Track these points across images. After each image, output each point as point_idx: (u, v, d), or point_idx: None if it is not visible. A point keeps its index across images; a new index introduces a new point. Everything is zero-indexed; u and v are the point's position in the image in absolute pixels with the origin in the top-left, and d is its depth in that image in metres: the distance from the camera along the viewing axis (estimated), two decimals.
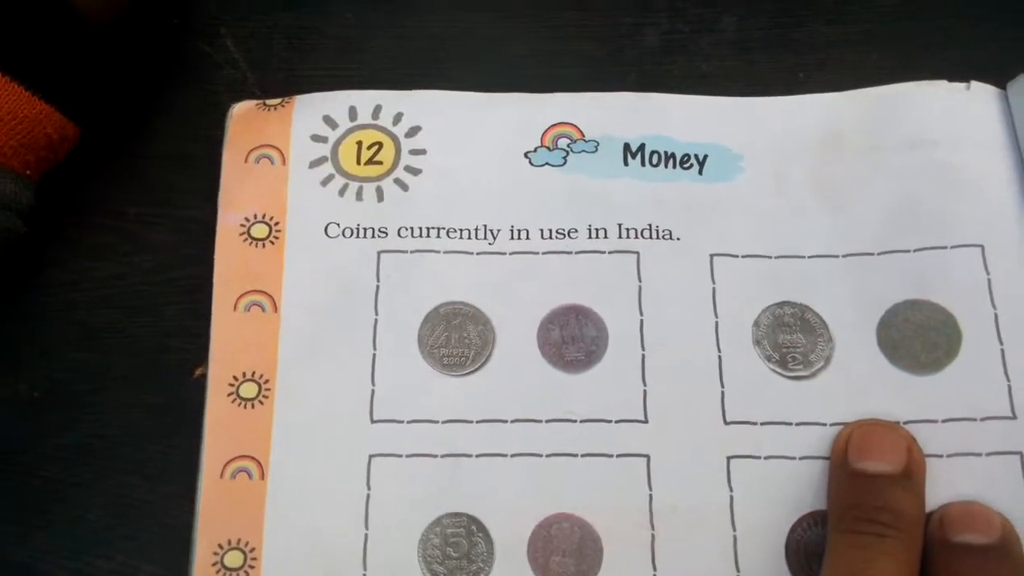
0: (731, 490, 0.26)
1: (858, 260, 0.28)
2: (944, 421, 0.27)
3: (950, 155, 0.29)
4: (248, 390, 0.27)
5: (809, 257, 0.29)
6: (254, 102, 0.30)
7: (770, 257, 0.29)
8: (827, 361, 0.28)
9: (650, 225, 0.29)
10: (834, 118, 0.30)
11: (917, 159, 0.29)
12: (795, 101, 0.30)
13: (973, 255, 0.28)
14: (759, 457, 0.27)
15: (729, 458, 0.27)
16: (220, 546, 0.26)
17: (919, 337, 0.27)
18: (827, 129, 0.30)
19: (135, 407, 0.28)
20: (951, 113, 0.30)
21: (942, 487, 0.26)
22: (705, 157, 0.30)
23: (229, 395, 0.27)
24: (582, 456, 0.27)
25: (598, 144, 0.30)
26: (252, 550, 0.26)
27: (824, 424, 0.27)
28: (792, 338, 0.28)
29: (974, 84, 0.30)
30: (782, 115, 0.30)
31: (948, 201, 0.29)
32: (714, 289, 0.28)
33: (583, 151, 0.30)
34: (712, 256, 0.29)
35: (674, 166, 0.30)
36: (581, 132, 0.30)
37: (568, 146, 0.30)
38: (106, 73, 0.29)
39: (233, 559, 0.26)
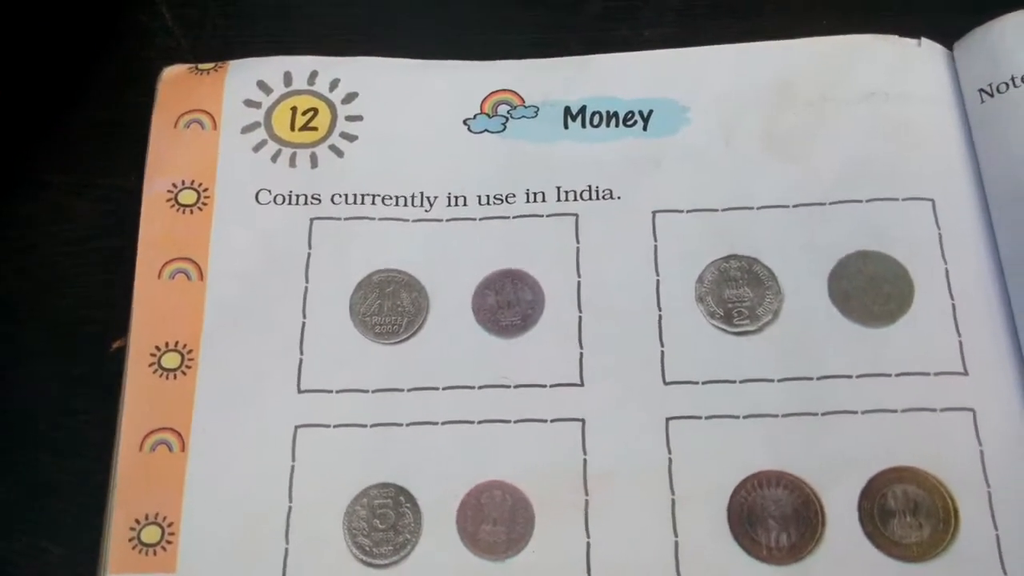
0: (670, 452, 0.26)
1: (809, 210, 0.28)
2: (898, 375, 0.26)
3: (901, 109, 0.29)
4: (170, 360, 0.27)
5: (758, 208, 0.28)
6: (186, 66, 0.30)
7: (717, 210, 0.28)
8: (775, 315, 0.27)
9: (590, 186, 0.29)
10: (785, 67, 0.30)
11: (869, 111, 0.29)
12: (744, 50, 0.30)
13: (924, 209, 0.28)
14: (700, 417, 0.26)
15: (668, 419, 0.26)
16: (137, 520, 0.25)
17: (872, 289, 0.27)
18: (778, 78, 0.30)
19: (50, 380, 0.28)
20: (902, 68, 0.29)
21: (898, 444, 0.25)
22: (650, 112, 0.29)
23: (150, 365, 0.27)
24: (515, 422, 0.26)
25: (538, 109, 0.30)
26: (170, 524, 0.25)
27: (772, 380, 0.26)
28: (738, 292, 0.27)
29: (924, 41, 0.30)
30: (731, 65, 0.30)
31: (899, 155, 0.28)
32: (656, 247, 0.28)
33: (523, 117, 0.30)
34: (655, 213, 0.28)
35: (616, 124, 0.29)
36: (521, 98, 0.30)
37: (508, 112, 0.30)
38: (32, 38, 0.29)
39: (150, 534, 0.25)
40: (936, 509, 0.25)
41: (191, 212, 0.28)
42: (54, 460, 0.27)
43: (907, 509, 0.25)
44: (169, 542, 0.25)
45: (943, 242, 0.27)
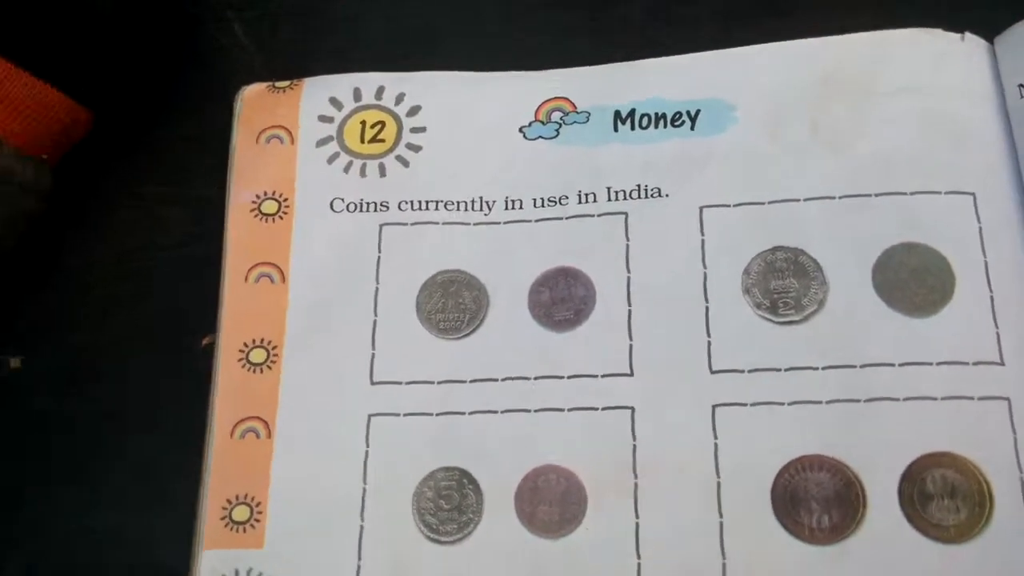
0: (716, 438, 0.26)
1: (854, 202, 0.28)
2: (939, 364, 0.26)
3: (944, 103, 0.29)
4: (257, 356, 0.28)
5: (804, 200, 0.28)
6: (264, 84, 0.31)
7: (763, 203, 0.28)
8: (820, 304, 0.27)
9: (639, 186, 0.29)
10: (828, 63, 0.30)
11: (912, 105, 0.29)
12: (788, 47, 0.30)
13: (965, 203, 0.28)
14: (746, 404, 0.27)
15: (714, 406, 0.27)
16: (228, 501, 0.27)
17: (915, 280, 0.27)
18: (822, 73, 0.30)
19: (150, 374, 0.30)
20: (945, 62, 0.29)
21: (937, 430, 0.25)
22: (697, 112, 0.30)
23: (239, 360, 0.28)
24: (568, 411, 0.27)
25: (589, 115, 0.30)
26: (258, 504, 0.27)
27: (816, 368, 0.27)
28: (784, 283, 0.27)
29: (967, 35, 0.29)
30: (776, 62, 0.30)
31: (942, 148, 0.28)
32: (703, 241, 0.28)
33: (575, 122, 0.30)
34: (702, 208, 0.29)
35: (665, 126, 0.30)
36: (573, 104, 0.31)
37: (561, 119, 0.30)
38: (118, 59, 0.30)
39: (240, 513, 0.27)
40: (972, 493, 0.25)
41: (273, 221, 0.30)
42: (157, 445, 0.29)
43: (945, 492, 0.25)
44: (257, 520, 0.27)
45: (983, 235, 0.27)
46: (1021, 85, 0.28)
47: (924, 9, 0.30)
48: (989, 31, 0.29)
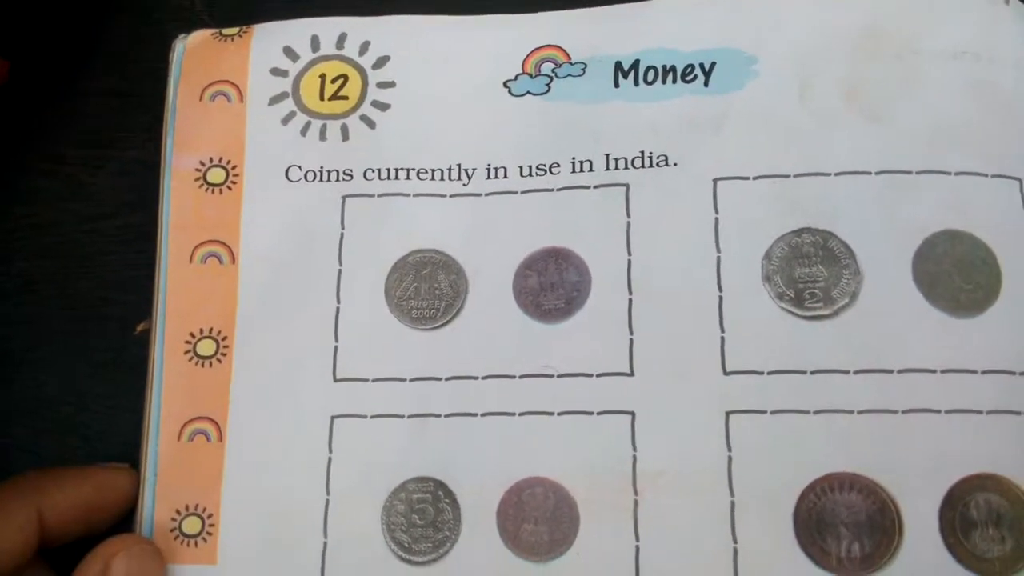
0: (729, 450, 0.24)
1: (893, 179, 0.26)
2: (984, 372, 0.24)
3: (992, 72, 0.26)
4: (205, 347, 0.27)
5: (836, 175, 0.26)
6: (208, 32, 0.29)
7: (788, 176, 0.26)
8: (853, 297, 0.25)
9: (642, 152, 0.27)
10: (869, 13, 0.27)
11: (960, 72, 0.26)
12: None
13: (1012, 188, 0.25)
14: (765, 412, 0.25)
15: (728, 413, 0.25)
16: (178, 511, 0.25)
17: (959, 274, 0.25)
18: (861, 25, 0.27)
19: (75, 364, 0.28)
20: (992, 27, 0.27)
21: (981, 448, 0.24)
22: (712, 65, 0.27)
23: (186, 353, 0.27)
24: (559, 414, 0.25)
25: (586, 66, 0.28)
26: (210, 516, 0.25)
27: (847, 372, 0.25)
28: (811, 271, 0.25)
29: (1013, 1, 0.27)
30: (807, 8, 0.27)
31: (989, 124, 0.26)
32: (717, 219, 0.26)
33: (569, 75, 0.28)
34: (716, 181, 0.26)
35: (674, 80, 0.27)
36: (567, 54, 0.28)
37: (552, 71, 0.28)
38: (38, 2, 0.28)
39: (191, 525, 0.25)
40: (1019, 522, 0.23)
41: (220, 192, 0.28)
42: (83, 446, 0.27)
43: (990, 520, 0.23)
44: (209, 533, 0.25)
45: None
46: None
47: None
48: None
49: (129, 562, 0.24)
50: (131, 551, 0.24)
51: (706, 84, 0.27)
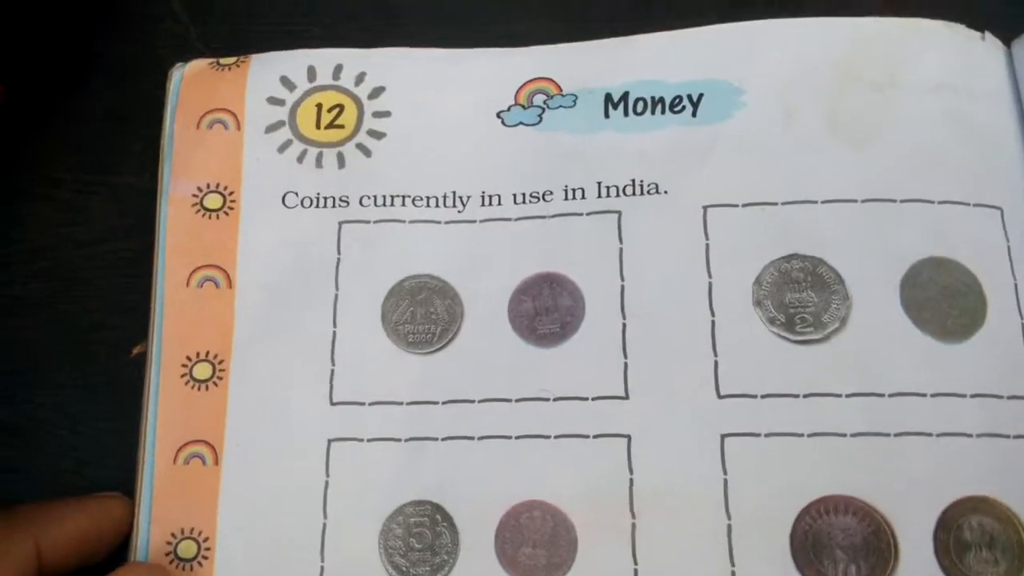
0: (725, 472, 0.24)
1: (880, 206, 0.26)
2: (972, 396, 0.24)
3: (968, 105, 0.27)
4: (202, 371, 0.26)
5: (823, 202, 0.26)
6: (206, 61, 0.29)
7: (776, 204, 0.26)
8: (843, 322, 0.25)
9: (633, 180, 0.27)
10: (849, 46, 0.28)
11: (939, 103, 0.27)
12: (805, 24, 0.28)
13: (993, 217, 0.26)
14: (759, 435, 0.25)
15: (724, 436, 0.25)
16: (173, 535, 0.25)
17: (945, 300, 0.25)
18: (842, 57, 0.28)
19: (68, 387, 0.28)
20: (967, 61, 0.28)
21: (973, 471, 0.24)
22: (700, 97, 0.28)
23: (182, 376, 0.26)
24: (555, 438, 0.25)
25: (576, 98, 0.28)
26: (206, 540, 0.25)
27: (839, 395, 0.25)
28: (801, 296, 0.26)
29: (988, 35, 0.28)
30: (791, 41, 0.28)
31: (968, 155, 0.27)
32: (707, 246, 0.26)
33: (560, 106, 0.28)
34: (706, 208, 0.27)
35: (663, 111, 0.28)
36: (558, 86, 0.28)
37: (544, 103, 0.28)
38: (33, 26, 0.28)
39: (187, 549, 0.25)
40: (1011, 544, 0.23)
41: (217, 217, 0.28)
42: (76, 469, 0.27)
43: (983, 543, 0.23)
44: (205, 557, 0.25)
45: (1012, 255, 0.26)
46: None
47: (940, 8, 0.28)
48: (1005, 33, 0.28)
49: None
50: None
51: (694, 115, 0.28)
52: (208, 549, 0.25)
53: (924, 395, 0.24)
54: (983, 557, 0.23)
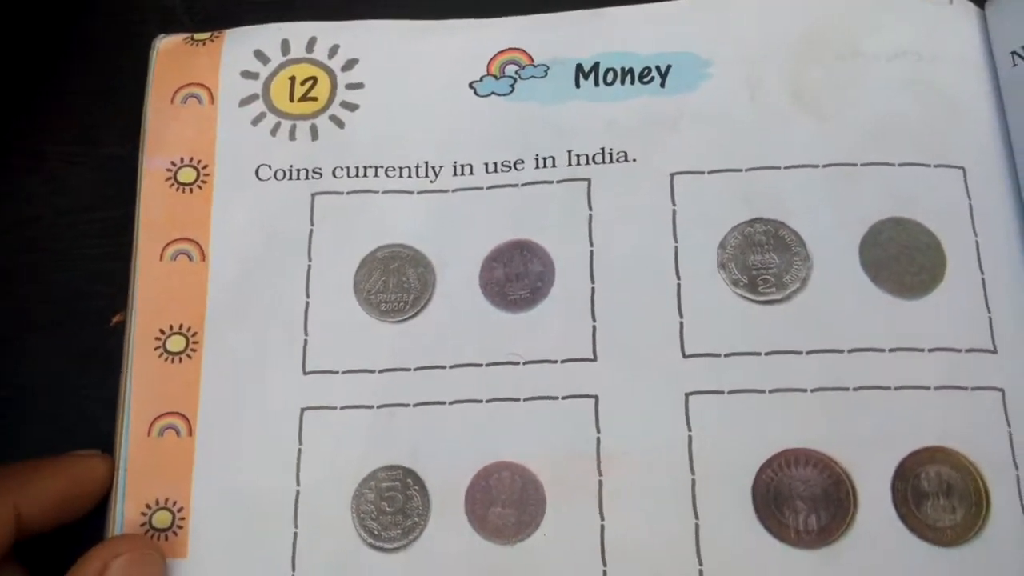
0: (689, 429, 0.25)
1: (840, 171, 0.27)
2: (931, 351, 0.25)
3: (933, 70, 0.27)
4: (175, 343, 0.27)
5: (785, 168, 0.27)
6: (181, 36, 0.29)
7: (740, 171, 0.27)
8: (803, 283, 0.26)
9: (603, 149, 0.27)
10: (813, 17, 0.28)
11: (900, 70, 0.27)
12: None
13: (955, 177, 0.26)
14: (722, 392, 0.25)
15: (688, 394, 0.25)
16: (148, 506, 0.25)
17: (904, 258, 0.25)
18: (806, 29, 0.28)
19: (52, 355, 0.28)
20: (933, 26, 0.28)
21: (930, 422, 0.24)
22: (668, 68, 0.28)
23: (156, 349, 0.26)
24: (524, 400, 0.26)
25: (548, 68, 0.28)
26: (180, 510, 0.25)
27: (800, 352, 0.25)
28: (764, 258, 0.26)
29: (956, 0, 0.28)
30: (755, 14, 0.28)
31: (931, 118, 0.27)
32: (674, 211, 0.27)
33: (532, 77, 0.28)
34: (673, 175, 0.27)
35: (632, 82, 0.28)
36: (530, 57, 0.29)
37: (516, 73, 0.28)
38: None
39: (161, 519, 0.25)
40: (969, 492, 0.23)
41: (190, 191, 0.28)
42: (59, 437, 0.27)
43: (940, 491, 0.23)
44: (180, 527, 0.25)
45: (974, 213, 0.26)
46: (1014, 53, 0.26)
47: None
48: None
49: (130, 567, 0.23)
50: (133, 555, 0.24)
51: (662, 85, 0.28)
52: (183, 519, 0.25)
53: (883, 350, 0.25)
54: (940, 505, 0.23)
